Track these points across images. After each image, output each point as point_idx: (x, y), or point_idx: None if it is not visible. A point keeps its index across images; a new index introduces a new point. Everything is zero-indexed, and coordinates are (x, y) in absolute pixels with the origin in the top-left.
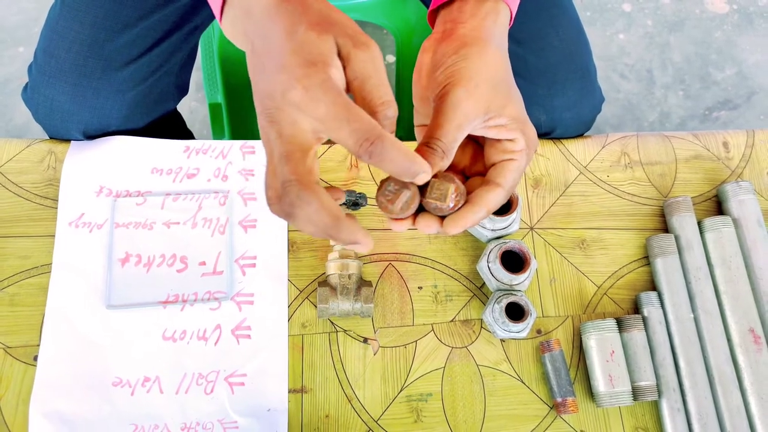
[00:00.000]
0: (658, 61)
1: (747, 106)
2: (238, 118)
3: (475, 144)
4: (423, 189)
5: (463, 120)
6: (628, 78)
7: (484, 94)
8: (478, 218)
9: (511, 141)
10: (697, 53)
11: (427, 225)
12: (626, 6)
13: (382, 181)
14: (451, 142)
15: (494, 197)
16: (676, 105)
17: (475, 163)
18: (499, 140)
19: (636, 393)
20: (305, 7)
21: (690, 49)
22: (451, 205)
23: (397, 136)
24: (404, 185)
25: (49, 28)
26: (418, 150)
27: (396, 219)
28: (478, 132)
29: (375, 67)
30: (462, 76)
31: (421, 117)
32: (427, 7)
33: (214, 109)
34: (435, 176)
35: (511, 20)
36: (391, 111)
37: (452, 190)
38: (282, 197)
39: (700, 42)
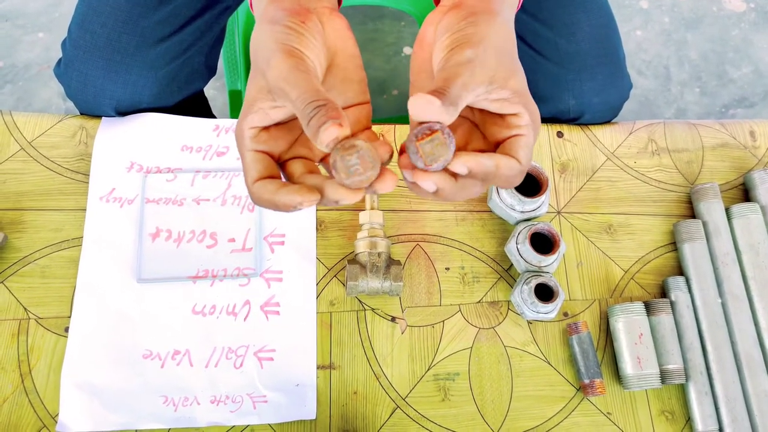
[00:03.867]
0: (675, 58)
1: (764, 104)
2: None
3: (469, 123)
4: (416, 135)
5: (469, 80)
6: (645, 74)
7: (491, 62)
8: (487, 168)
9: (516, 116)
10: (713, 51)
11: (426, 178)
12: (643, 3)
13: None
14: (457, 97)
15: (506, 161)
16: (693, 102)
17: (469, 142)
18: (501, 116)
19: (664, 376)
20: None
21: (707, 46)
22: (434, 167)
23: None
24: (352, 147)
25: (85, 3)
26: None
27: (356, 188)
28: (480, 104)
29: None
30: (470, 39)
31: (417, 91)
32: None
33: (233, 96)
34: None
35: (519, 3)
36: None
37: (449, 155)
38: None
39: (717, 39)
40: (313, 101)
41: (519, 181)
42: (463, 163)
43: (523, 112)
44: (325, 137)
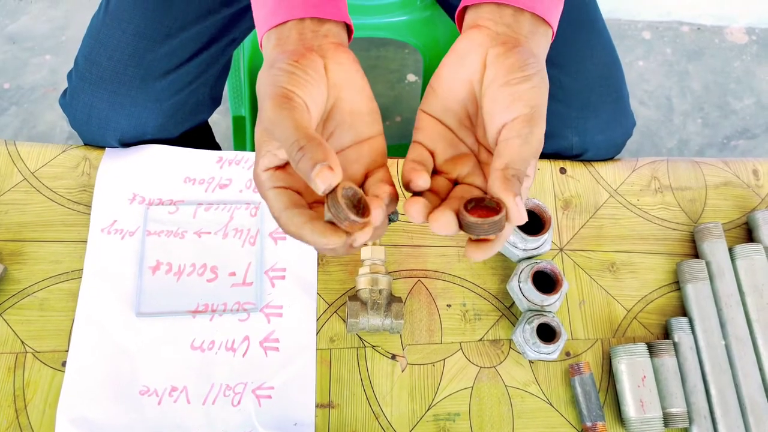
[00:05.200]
0: (677, 89)
1: (766, 136)
2: None
3: (474, 159)
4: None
5: (534, 155)
6: (647, 105)
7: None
8: (497, 249)
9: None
10: (715, 82)
11: (446, 225)
12: (646, 33)
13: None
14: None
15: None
16: (695, 133)
17: (469, 175)
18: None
19: (667, 419)
20: (262, 98)
21: (709, 77)
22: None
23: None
24: (334, 203)
25: (91, 36)
26: (502, 183)
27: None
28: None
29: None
30: (541, 112)
31: (439, 101)
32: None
33: (237, 122)
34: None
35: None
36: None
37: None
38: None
39: (719, 71)
40: (295, 141)
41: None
42: (484, 257)
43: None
44: (320, 185)
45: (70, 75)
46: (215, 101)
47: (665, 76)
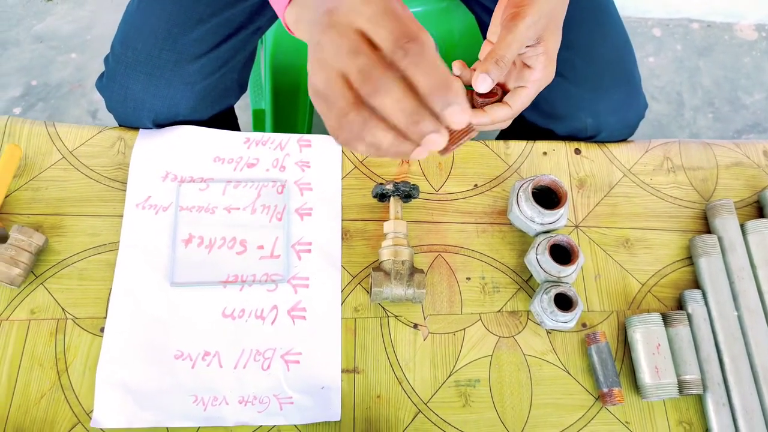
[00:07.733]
0: (687, 84)
1: None
2: (282, 126)
3: None
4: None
5: (525, 42)
6: (658, 99)
7: (543, 25)
8: (482, 121)
9: (530, 69)
10: (726, 77)
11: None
12: (656, 30)
13: None
14: (512, 58)
15: (500, 111)
16: (706, 127)
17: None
18: (520, 68)
19: (681, 386)
20: None
21: (719, 73)
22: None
23: None
24: None
25: (127, 21)
26: (484, 63)
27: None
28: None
29: None
30: (533, 8)
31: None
32: (475, 15)
33: (257, 115)
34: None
35: None
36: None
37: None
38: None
39: (730, 67)
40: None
41: (508, 118)
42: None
43: (539, 68)
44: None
45: (107, 59)
46: (242, 87)
47: (676, 72)
